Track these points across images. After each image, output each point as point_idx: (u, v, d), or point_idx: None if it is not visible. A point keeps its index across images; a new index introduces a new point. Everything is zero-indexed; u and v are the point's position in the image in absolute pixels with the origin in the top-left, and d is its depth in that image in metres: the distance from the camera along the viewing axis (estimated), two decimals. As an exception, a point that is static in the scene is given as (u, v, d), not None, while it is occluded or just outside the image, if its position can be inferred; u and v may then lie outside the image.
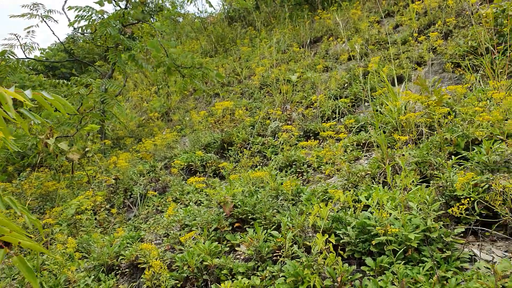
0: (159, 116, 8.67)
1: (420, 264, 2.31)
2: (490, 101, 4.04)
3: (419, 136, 4.45)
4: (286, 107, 6.44)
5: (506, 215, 2.46)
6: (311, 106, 6.68)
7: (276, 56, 9.53)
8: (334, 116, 6.25)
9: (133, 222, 4.84)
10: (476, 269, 2.23)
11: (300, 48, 9.88)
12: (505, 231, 2.63)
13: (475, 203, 2.64)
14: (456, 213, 2.36)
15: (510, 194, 2.40)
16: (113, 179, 5.50)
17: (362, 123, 5.44)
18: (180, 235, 3.48)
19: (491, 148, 2.96)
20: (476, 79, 5.38)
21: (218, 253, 3.05)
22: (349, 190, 3.62)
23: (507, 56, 5.66)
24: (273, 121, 6.15)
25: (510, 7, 6.45)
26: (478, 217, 2.66)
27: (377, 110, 5.42)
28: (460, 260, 2.37)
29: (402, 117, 3.96)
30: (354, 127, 5.56)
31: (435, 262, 2.32)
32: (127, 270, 3.38)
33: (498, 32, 6.66)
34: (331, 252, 2.42)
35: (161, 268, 2.69)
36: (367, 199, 2.91)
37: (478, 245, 2.68)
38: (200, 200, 4.52)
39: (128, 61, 7.24)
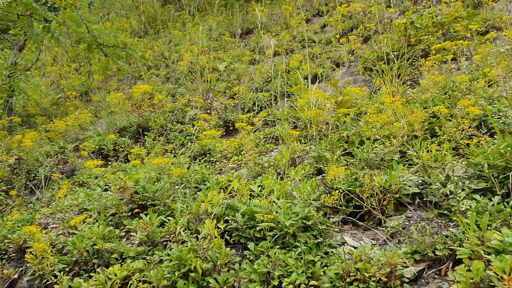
0: (78, 95, 8.24)
1: (293, 249, 2.53)
2: (382, 105, 4.44)
3: (327, 132, 4.78)
4: (208, 96, 6.48)
5: (373, 207, 2.77)
6: (234, 97, 6.80)
7: (207, 43, 9.50)
8: (254, 108, 6.43)
9: (34, 206, 4.61)
10: (342, 254, 2.50)
11: (231, 38, 9.94)
12: (374, 221, 2.96)
13: (354, 195, 2.93)
14: (329, 203, 2.61)
15: (377, 188, 2.70)
16: (15, 159, 5.16)
17: (278, 117, 5.67)
18: (76, 219, 3.40)
19: (371, 146, 3.29)
20: (384, 83, 5.86)
21: (112, 237, 3.05)
22: (253, 180, 3.80)
23: (411, 64, 6.24)
24: (194, 109, 6.16)
25: (418, 20, 7.09)
26: (352, 209, 2.96)
27: (291, 106, 5.69)
28: (330, 246, 2.63)
29: (304, 114, 4.21)
30: (271, 121, 5.78)
31: (308, 247, 2.55)
32: (14, 254, 3.24)
33: (407, 42, 7.30)
34: (216, 237, 2.55)
35: (45, 251, 2.63)
36: (260, 189, 3.08)
37: (351, 233, 2.99)
38: (109, 185, 4.43)
39: (43, 33, 6.75)
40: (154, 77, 8.48)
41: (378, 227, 2.86)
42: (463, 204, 2.60)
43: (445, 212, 2.73)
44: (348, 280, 2.20)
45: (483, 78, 5.07)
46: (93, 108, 7.15)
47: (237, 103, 6.50)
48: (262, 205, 2.85)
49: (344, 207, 3.06)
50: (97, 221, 3.28)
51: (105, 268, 2.66)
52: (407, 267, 2.49)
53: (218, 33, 10.18)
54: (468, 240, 2.28)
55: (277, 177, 3.51)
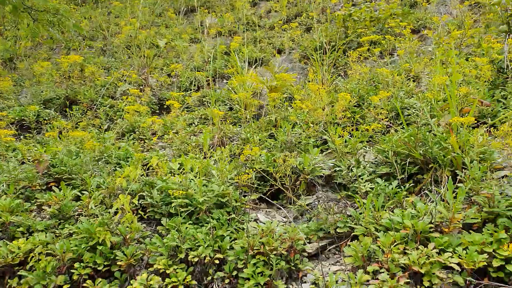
0: (1, 62, 7.60)
1: (206, 225, 2.60)
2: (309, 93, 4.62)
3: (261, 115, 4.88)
4: (143, 72, 6.30)
5: (286, 187, 2.92)
6: (171, 74, 6.67)
7: (149, 18, 9.17)
8: (191, 88, 6.36)
9: None
10: (250, 229, 2.61)
11: (175, 15, 9.67)
12: (287, 200, 3.12)
13: (271, 176, 3.05)
14: (242, 181, 2.70)
15: (290, 169, 2.84)
16: None
17: (215, 98, 5.67)
18: (-16, 191, 3.20)
19: (291, 130, 3.44)
20: (317, 71, 6.07)
21: (21, 211, 2.92)
22: (178, 157, 3.80)
23: (346, 54, 6.49)
24: (127, 84, 5.97)
25: (356, 13, 7.38)
26: (268, 188, 3.09)
27: (229, 88, 5.72)
28: (242, 222, 2.73)
29: (235, 96, 4.26)
30: (207, 101, 5.77)
31: (220, 223, 2.64)
32: None
33: (345, 33, 7.59)
34: (129, 212, 2.54)
35: None
36: (179, 167, 3.11)
37: (266, 211, 3.13)
38: (29, 159, 4.19)
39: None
40: (88, 49, 8.05)
41: (291, 205, 3.01)
42: (364, 186, 2.81)
43: (351, 193, 2.94)
44: (251, 253, 2.31)
45: (407, 73, 5.45)
46: (17, 77, 6.66)
47: (174, 82, 6.39)
48: (179, 182, 2.88)
49: (261, 187, 3.19)
50: (6, 194, 3.11)
51: (8, 242, 2.55)
52: (310, 242, 2.67)
53: (162, 8, 9.86)
54: (363, 219, 2.49)
55: (203, 157, 3.55)
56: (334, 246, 2.65)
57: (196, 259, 2.29)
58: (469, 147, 2.78)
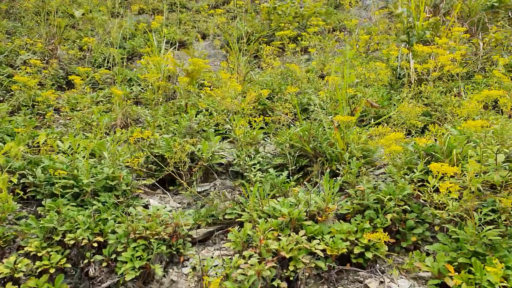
0: None
1: (90, 207, 2.53)
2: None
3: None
4: (51, 42, 5.83)
5: (182, 173, 2.93)
6: (83, 49, 6.26)
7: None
8: (105, 64, 6.03)
9: None
10: (137, 214, 2.59)
11: (97, -15, 9.04)
12: (183, 187, 3.14)
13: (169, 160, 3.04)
14: (133, 164, 2.65)
15: (186, 155, 2.86)
16: None
17: (126, 77, 5.45)
18: None
19: (195, 117, 3.45)
20: (236, 61, 6.12)
21: None
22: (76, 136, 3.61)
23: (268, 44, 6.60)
24: (31, 53, 5.48)
25: (281, 7, 7.55)
26: (165, 173, 3.08)
27: (143, 68, 5.53)
28: (130, 206, 2.70)
29: (141, 76, 4.15)
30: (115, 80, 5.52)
31: (106, 206, 2.57)
32: None
33: (269, 25, 7.74)
34: (4, 191, 2.37)
35: None
36: (69, 146, 2.96)
37: (161, 196, 3.12)
38: None
39: None
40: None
41: (185, 192, 3.04)
42: (254, 175, 2.94)
43: (245, 182, 3.05)
44: (133, 237, 2.30)
45: (320, 70, 5.74)
46: None
47: (86, 56, 6.01)
48: (68, 162, 2.75)
49: (158, 172, 3.16)
50: None
51: None
52: (199, 228, 2.73)
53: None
54: (249, 206, 2.60)
55: (100, 137, 3.41)
56: (221, 232, 2.74)
57: (72, 242, 2.22)
58: (353, 144, 3.03)
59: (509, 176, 2.49)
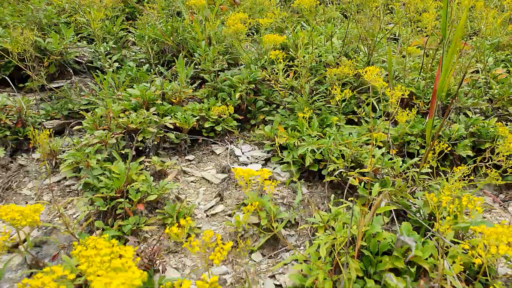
0: None
1: None
2: None
3: None
4: None
5: (33, 68, 2.75)
6: None
7: None
8: None
9: None
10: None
11: None
12: (40, 83, 2.96)
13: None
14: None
15: (34, 48, 2.66)
16: None
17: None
18: None
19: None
20: None
21: None
22: None
23: None
24: None
25: None
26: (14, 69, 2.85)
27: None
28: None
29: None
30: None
31: None
32: None
33: None
34: None
35: None
36: None
37: (9, 94, 2.91)
38: None
39: None
40: None
41: (35, 86, 2.88)
42: (110, 65, 2.89)
43: (101, 73, 2.99)
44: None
45: None
46: None
47: None
48: None
49: (4, 68, 2.91)
50: None
51: None
52: (55, 119, 2.66)
53: None
54: (103, 93, 2.59)
55: None
56: (78, 123, 2.71)
57: None
58: (213, 34, 3.13)
59: (339, 57, 2.89)
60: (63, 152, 2.31)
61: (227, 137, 2.62)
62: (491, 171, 1.79)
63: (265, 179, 1.25)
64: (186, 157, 2.41)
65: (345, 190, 1.91)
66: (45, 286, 0.80)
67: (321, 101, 2.55)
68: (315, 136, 2.28)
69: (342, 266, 1.56)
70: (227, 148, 2.48)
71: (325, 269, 1.60)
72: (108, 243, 0.87)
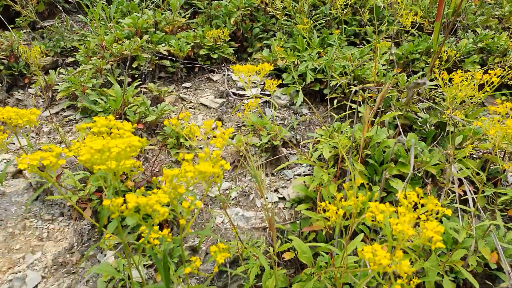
0: None
1: None
2: None
3: None
4: None
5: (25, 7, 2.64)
6: None
7: None
8: None
9: None
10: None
11: None
12: (30, 23, 2.87)
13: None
14: None
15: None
16: None
17: None
18: None
19: None
20: None
21: None
22: None
23: None
24: None
25: None
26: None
27: None
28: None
29: None
30: None
31: None
32: None
33: None
34: None
35: None
36: None
37: (2, 34, 2.83)
38: None
39: None
40: None
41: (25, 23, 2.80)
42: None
43: (93, 9, 2.88)
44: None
45: None
46: None
47: None
48: None
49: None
50: None
51: None
52: (48, 56, 2.60)
53: None
54: (94, 26, 2.50)
55: None
56: (71, 58, 2.66)
57: None
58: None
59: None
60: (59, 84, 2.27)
61: (224, 64, 2.55)
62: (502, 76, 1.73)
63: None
64: (183, 85, 2.37)
65: (347, 107, 1.86)
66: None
67: (321, 23, 2.44)
68: (316, 54, 2.21)
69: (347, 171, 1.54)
70: (224, 75, 2.42)
71: (329, 171, 1.58)
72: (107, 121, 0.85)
